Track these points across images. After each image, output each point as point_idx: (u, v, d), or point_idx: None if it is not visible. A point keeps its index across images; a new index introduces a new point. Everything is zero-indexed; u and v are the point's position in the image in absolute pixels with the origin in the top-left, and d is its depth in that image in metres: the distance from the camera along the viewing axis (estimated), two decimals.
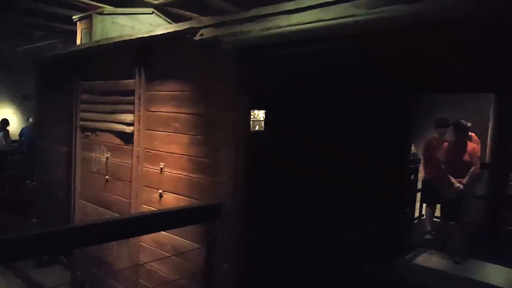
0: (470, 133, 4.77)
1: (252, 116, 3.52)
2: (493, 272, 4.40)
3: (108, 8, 5.05)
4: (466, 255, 4.57)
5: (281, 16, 2.00)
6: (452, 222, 4.61)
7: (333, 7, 1.83)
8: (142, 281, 3.02)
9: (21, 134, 8.15)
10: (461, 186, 4.43)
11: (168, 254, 2.77)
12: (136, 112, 3.08)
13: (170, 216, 2.21)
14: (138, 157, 3.06)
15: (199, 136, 2.64)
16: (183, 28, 2.57)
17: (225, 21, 2.32)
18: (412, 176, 5.18)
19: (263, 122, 4.98)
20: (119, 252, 3.27)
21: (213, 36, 2.32)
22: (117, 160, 3.33)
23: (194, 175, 2.66)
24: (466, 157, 4.49)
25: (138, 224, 2.07)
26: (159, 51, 2.93)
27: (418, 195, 5.50)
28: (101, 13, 4.30)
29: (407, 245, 4.89)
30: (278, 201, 3.12)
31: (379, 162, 4.13)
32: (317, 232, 3.28)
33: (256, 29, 2.08)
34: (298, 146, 3.38)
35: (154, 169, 2.94)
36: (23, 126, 9.69)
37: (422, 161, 5.35)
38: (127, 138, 3.21)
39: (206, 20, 2.44)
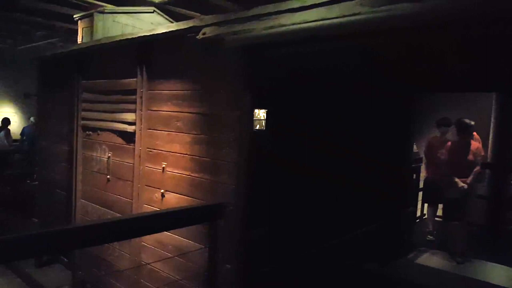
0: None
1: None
2: (495, 271, 4.39)
3: (109, 7, 5.04)
4: (468, 255, 4.56)
5: (284, 15, 1.99)
6: (454, 222, 4.59)
7: (337, 5, 1.82)
8: (144, 281, 3.01)
9: (22, 133, 8.16)
10: (465, 186, 4.41)
11: (169, 254, 2.75)
12: (137, 111, 3.06)
13: (173, 216, 2.19)
14: (139, 156, 3.05)
15: (201, 136, 2.63)
16: (185, 26, 2.56)
17: (227, 19, 2.30)
18: (414, 175, 5.17)
19: (263, 121, 4.97)
20: (120, 252, 3.26)
21: (216, 34, 2.30)
22: (119, 159, 3.32)
23: (196, 175, 2.64)
24: (470, 157, 4.47)
25: (141, 225, 2.05)
26: (161, 50, 2.92)
27: (420, 194, 5.50)
28: (102, 12, 4.28)
29: (409, 244, 4.88)
30: (279, 201, 3.11)
31: (381, 161, 4.11)
32: (319, 231, 3.26)
33: (259, 27, 2.06)
34: (299, 145, 3.37)
35: (156, 168, 2.93)
36: (24, 125, 9.69)
37: (424, 160, 5.34)
38: (129, 137, 3.19)
39: (208, 18, 2.43)
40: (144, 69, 3.01)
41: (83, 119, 3.75)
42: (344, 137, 3.68)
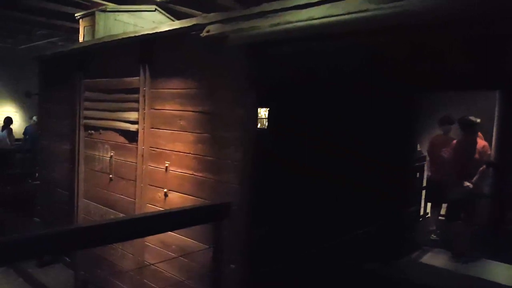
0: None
1: None
2: (499, 270, 4.36)
3: (111, 6, 5.02)
4: (472, 254, 4.53)
5: (290, 12, 1.96)
6: (458, 222, 4.55)
7: (344, 1, 1.79)
8: (147, 281, 2.99)
9: (25, 132, 8.15)
10: (470, 186, 4.36)
11: (173, 254, 2.73)
12: (140, 110, 3.04)
13: (177, 216, 2.17)
14: (142, 155, 3.03)
15: (204, 134, 2.61)
16: (189, 24, 2.53)
17: (232, 17, 2.28)
18: (418, 174, 5.14)
19: (264, 119, 4.95)
20: (123, 252, 3.24)
21: (220, 32, 2.27)
22: (121, 158, 3.30)
23: (200, 174, 2.62)
24: (476, 155, 4.40)
25: (145, 225, 2.03)
26: (164, 48, 2.89)
27: (424, 193, 5.47)
28: (104, 11, 4.26)
29: (412, 244, 4.86)
30: (281, 200, 3.09)
31: (384, 161, 4.09)
32: (321, 231, 3.24)
33: (264, 25, 2.04)
34: (300, 145, 3.35)
35: (159, 167, 2.90)
36: (26, 124, 9.69)
37: (427, 159, 5.31)
38: (131, 136, 3.17)
39: (212, 16, 2.40)
40: (147, 67, 2.98)
41: (85, 118, 3.73)
42: (345, 137, 3.66)
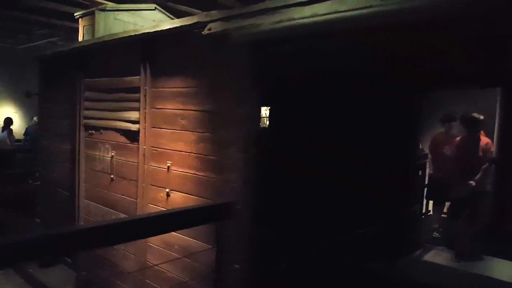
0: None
1: None
2: (501, 267, 4.35)
3: (110, 5, 4.98)
4: (474, 253, 4.51)
5: (294, 8, 1.93)
6: (461, 221, 4.52)
7: None
8: (149, 282, 2.97)
9: (26, 133, 8.13)
10: (473, 184, 4.32)
11: (176, 254, 2.71)
12: (141, 109, 3.01)
13: (181, 216, 2.15)
14: (144, 155, 3.00)
15: (206, 134, 2.58)
16: (190, 22, 2.50)
17: (234, 14, 2.25)
18: (420, 172, 5.12)
19: (265, 118, 4.92)
20: (125, 252, 3.22)
21: (222, 30, 2.25)
22: (122, 158, 3.27)
23: (202, 173, 2.60)
24: (479, 153, 4.36)
25: (148, 226, 2.01)
26: (165, 46, 2.87)
27: (425, 191, 5.44)
28: (104, 10, 4.23)
29: (414, 242, 4.85)
30: (284, 200, 3.07)
31: (385, 159, 4.07)
32: (323, 230, 3.23)
33: (267, 22, 2.01)
34: (302, 144, 3.33)
35: (160, 167, 2.88)
36: (25, 124, 9.67)
37: (429, 157, 5.28)
38: (133, 136, 3.15)
39: (214, 14, 2.37)
40: (147, 66, 2.96)
41: (86, 117, 3.70)
42: (346, 136, 3.64)
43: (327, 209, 3.36)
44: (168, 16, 4.66)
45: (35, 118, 7.85)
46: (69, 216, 3.85)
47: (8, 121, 8.04)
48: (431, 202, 5.45)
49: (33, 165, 5.78)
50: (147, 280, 2.98)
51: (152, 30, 2.80)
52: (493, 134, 5.42)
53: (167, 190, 2.82)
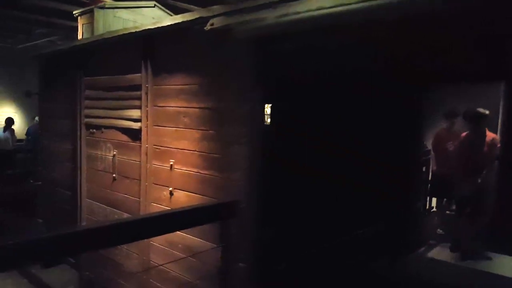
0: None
1: None
2: (505, 263, 4.32)
3: (109, 2, 4.93)
4: (476, 251, 4.47)
5: (299, 1, 1.88)
6: (466, 218, 4.46)
7: None
8: (153, 281, 2.94)
9: (28, 133, 8.10)
10: (479, 180, 4.25)
11: (179, 253, 2.68)
12: (143, 107, 2.98)
13: (185, 216, 2.11)
14: (146, 154, 2.97)
15: (210, 131, 2.54)
16: (191, 18, 2.46)
17: (237, 8, 2.20)
18: (424, 168, 5.08)
19: (266, 116, 4.87)
20: (128, 252, 3.19)
21: (225, 25, 2.20)
22: (125, 157, 3.24)
23: (206, 172, 2.56)
24: (485, 149, 4.29)
25: (152, 226, 1.97)
26: (166, 43, 2.82)
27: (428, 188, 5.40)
28: (103, 7, 4.19)
29: (418, 239, 4.81)
30: (288, 198, 3.03)
31: (388, 158, 4.04)
32: (327, 229, 3.20)
33: (271, 16, 1.97)
34: (305, 142, 3.29)
35: (163, 166, 2.85)
36: (26, 125, 9.64)
37: (431, 153, 5.24)
38: (134, 134, 3.11)
39: (216, 8, 2.33)
40: (148, 63, 2.92)
41: (86, 116, 3.67)
42: (351, 135, 3.60)
43: (329, 208, 3.33)
44: (168, 13, 4.62)
45: (36, 118, 7.81)
46: (71, 216, 3.82)
47: (10, 121, 8.01)
48: (434, 199, 5.41)
49: (34, 165, 5.75)
50: (150, 280, 2.95)
51: (153, 27, 2.76)
52: (496, 132, 5.37)
53: (170, 188, 2.79)
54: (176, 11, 5.24)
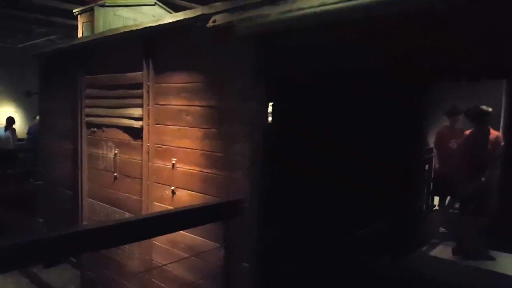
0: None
1: None
2: (508, 262, 4.30)
3: (110, 0, 4.91)
4: (479, 250, 4.44)
5: None
6: (469, 217, 4.43)
7: None
8: (155, 281, 2.92)
9: (29, 132, 8.07)
10: (483, 179, 4.22)
11: (181, 253, 2.66)
12: (144, 106, 2.95)
13: (188, 215, 2.09)
14: (148, 152, 2.95)
15: (212, 130, 2.52)
16: (193, 15, 2.43)
17: (240, 5, 2.18)
18: (427, 166, 5.05)
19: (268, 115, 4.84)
20: (130, 251, 3.17)
21: (227, 22, 2.18)
22: (126, 156, 3.22)
23: (208, 171, 2.54)
24: (489, 147, 4.26)
25: (154, 226, 1.95)
26: (168, 41, 2.80)
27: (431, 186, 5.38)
28: (103, 5, 4.16)
29: (421, 237, 4.80)
30: (292, 197, 3.01)
31: (391, 156, 4.01)
32: (330, 228, 3.18)
33: (274, 12, 1.94)
34: (307, 141, 3.27)
35: (165, 165, 2.82)
36: (26, 124, 9.61)
37: (434, 151, 5.21)
38: (136, 133, 3.09)
39: (218, 5, 2.30)
40: (150, 61, 2.89)
41: (87, 115, 3.64)
42: (353, 134, 3.58)
43: (331, 207, 3.31)
44: (168, 11, 4.59)
45: (37, 117, 7.79)
46: (72, 215, 3.80)
47: (10, 121, 7.99)
48: (437, 197, 5.38)
49: (34, 164, 5.74)
50: (152, 279, 2.93)
51: (154, 24, 2.73)
52: (497, 130, 5.33)
53: (172, 188, 2.77)
54: (176, 9, 5.20)
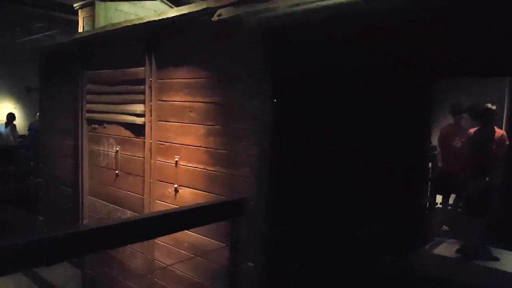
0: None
1: None
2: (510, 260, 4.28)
3: None
4: (485, 247, 4.41)
5: None
6: (472, 217, 4.39)
7: None
8: (157, 281, 2.88)
9: (30, 128, 8.02)
10: (487, 179, 4.17)
11: (185, 252, 2.62)
12: (147, 102, 2.89)
13: (192, 215, 2.04)
14: (150, 150, 2.89)
15: (217, 126, 2.47)
16: (198, 8, 2.37)
17: None
18: (430, 164, 5.02)
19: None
20: (132, 250, 3.13)
21: (233, 16, 2.12)
22: (128, 153, 3.16)
23: (212, 168, 2.49)
24: (493, 146, 4.21)
25: (157, 225, 1.90)
26: (171, 35, 2.74)
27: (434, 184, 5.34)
28: (104, 0, 4.09)
29: (424, 235, 4.76)
30: (299, 195, 2.97)
31: (395, 154, 3.97)
32: (334, 227, 3.14)
33: (282, 5, 1.88)
34: (309, 140, 3.22)
35: (168, 162, 2.77)
36: (25, 120, 9.54)
37: (437, 150, 5.17)
38: (138, 130, 3.03)
39: None
40: (152, 57, 2.83)
41: (88, 111, 3.58)
42: (358, 133, 3.53)
43: (337, 206, 3.27)
44: (171, 7, 4.52)
45: (38, 114, 7.73)
46: (73, 213, 3.75)
47: (11, 117, 7.92)
48: (440, 196, 5.34)
49: (36, 161, 5.68)
50: (155, 279, 2.89)
51: (157, 18, 2.67)
52: (500, 128, 5.27)
53: (175, 185, 2.72)
54: (178, 4, 5.13)
